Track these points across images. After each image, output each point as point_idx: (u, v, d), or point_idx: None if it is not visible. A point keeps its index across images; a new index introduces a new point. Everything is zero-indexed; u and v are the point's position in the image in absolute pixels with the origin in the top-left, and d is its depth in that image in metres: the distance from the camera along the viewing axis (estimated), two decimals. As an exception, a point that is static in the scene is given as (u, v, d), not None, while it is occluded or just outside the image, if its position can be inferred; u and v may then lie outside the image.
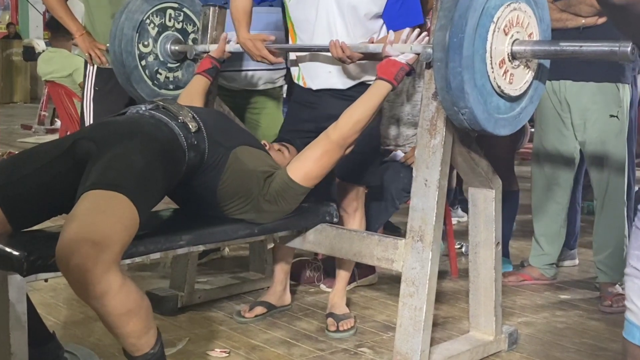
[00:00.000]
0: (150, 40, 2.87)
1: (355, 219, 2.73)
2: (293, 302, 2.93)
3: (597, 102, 3.02)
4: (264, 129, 3.23)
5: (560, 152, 3.18)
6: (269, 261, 3.17)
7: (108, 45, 3.04)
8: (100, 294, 1.65)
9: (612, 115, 3.01)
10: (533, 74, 2.17)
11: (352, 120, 2.24)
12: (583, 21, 2.98)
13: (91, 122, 3.25)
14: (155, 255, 2.05)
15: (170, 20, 2.91)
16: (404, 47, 2.21)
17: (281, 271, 2.84)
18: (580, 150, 3.14)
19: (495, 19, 2.00)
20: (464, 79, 1.96)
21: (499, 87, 2.06)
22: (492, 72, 2.03)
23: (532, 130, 3.77)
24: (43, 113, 8.40)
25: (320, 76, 2.61)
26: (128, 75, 2.84)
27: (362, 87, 2.50)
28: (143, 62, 2.86)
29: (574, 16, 2.97)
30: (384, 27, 2.53)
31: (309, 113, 2.65)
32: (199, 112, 2.26)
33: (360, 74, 2.57)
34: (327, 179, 2.84)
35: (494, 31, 2.00)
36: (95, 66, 3.27)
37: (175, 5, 2.93)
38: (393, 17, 2.49)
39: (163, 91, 2.92)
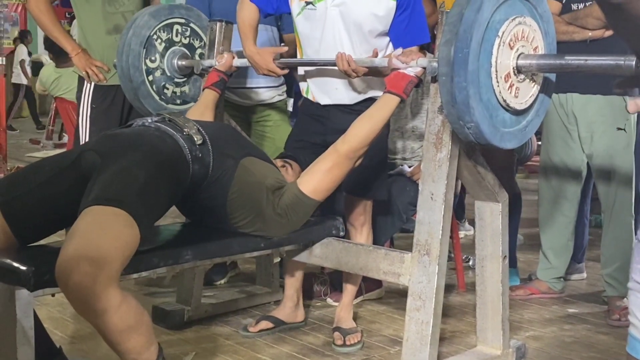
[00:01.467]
0: (158, 56, 2.88)
1: (362, 233, 2.73)
2: (300, 316, 2.92)
3: (604, 115, 3.01)
4: (273, 141, 3.26)
5: (567, 165, 3.18)
6: (276, 275, 3.17)
7: (104, 61, 3.08)
8: (100, 311, 1.65)
9: (619, 128, 3.00)
10: (539, 87, 2.17)
11: (361, 133, 2.24)
12: (590, 34, 2.98)
13: (86, 139, 3.22)
14: (162, 270, 2.05)
15: (177, 36, 2.92)
16: (410, 62, 2.22)
17: (291, 287, 2.83)
18: (588, 163, 3.14)
19: (500, 33, 2.01)
20: (470, 94, 1.97)
21: (505, 101, 2.06)
22: (498, 86, 2.03)
23: (539, 143, 3.76)
24: (51, 128, 8.46)
25: (328, 92, 2.62)
26: (135, 90, 2.85)
27: (369, 102, 2.51)
28: (150, 77, 2.87)
29: (580, 29, 2.97)
30: (390, 44, 2.54)
31: (317, 126, 2.66)
32: (205, 126, 2.27)
33: (366, 89, 2.58)
34: (333, 193, 2.85)
35: (499, 45, 2.01)
36: (93, 83, 3.23)
37: (182, 20, 2.94)
38: (399, 36, 2.50)
39: (170, 106, 2.93)
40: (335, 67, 2.40)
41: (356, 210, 2.70)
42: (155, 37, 2.86)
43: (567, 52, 2.11)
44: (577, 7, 3.01)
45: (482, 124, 2.02)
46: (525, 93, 2.13)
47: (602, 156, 3.06)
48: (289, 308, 2.82)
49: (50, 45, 6.15)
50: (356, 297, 3.14)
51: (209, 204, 2.23)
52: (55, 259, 1.73)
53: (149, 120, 2.21)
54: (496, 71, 2.02)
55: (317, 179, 2.25)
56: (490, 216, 2.44)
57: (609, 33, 2.91)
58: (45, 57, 9.39)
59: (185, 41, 2.95)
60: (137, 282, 3.21)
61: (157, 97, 2.90)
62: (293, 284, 2.82)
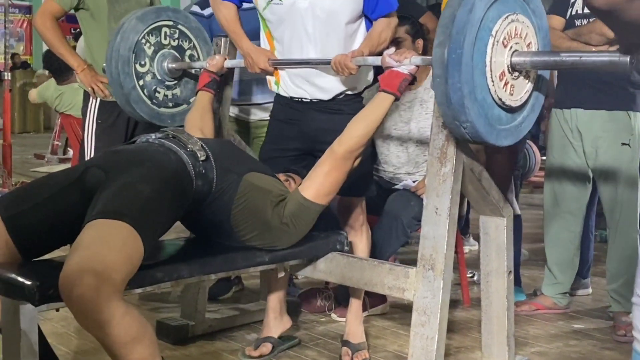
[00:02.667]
0: (147, 60, 2.85)
1: (363, 233, 2.71)
2: (303, 331, 2.92)
3: (608, 130, 3.02)
4: None
5: (572, 180, 3.17)
6: (280, 290, 3.16)
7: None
8: (103, 323, 1.65)
9: (623, 144, 3.00)
10: (533, 84, 2.14)
11: (356, 134, 2.25)
12: (594, 50, 2.99)
13: (92, 154, 3.23)
14: (166, 285, 2.05)
15: (165, 39, 2.88)
16: (403, 60, 2.23)
17: (275, 299, 2.75)
18: (593, 179, 3.13)
19: (493, 33, 1.98)
20: (464, 94, 1.94)
21: (500, 99, 2.03)
22: (493, 85, 2.00)
23: (544, 158, 3.76)
24: (56, 143, 8.49)
25: (301, 87, 2.57)
26: (127, 96, 2.81)
27: (345, 97, 2.54)
28: (141, 82, 2.84)
29: (584, 45, 2.98)
30: (362, 27, 2.53)
31: (293, 130, 2.62)
32: (208, 142, 2.28)
33: (341, 85, 2.54)
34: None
35: (493, 45, 1.98)
36: (98, 99, 3.25)
37: (170, 22, 2.90)
38: (371, 9, 2.50)
39: (162, 109, 2.90)
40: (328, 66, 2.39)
41: (354, 212, 2.69)
42: (144, 41, 2.82)
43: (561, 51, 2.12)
44: (581, 23, 3.02)
45: (477, 123, 1.99)
46: (520, 90, 2.10)
47: (607, 171, 3.05)
48: (274, 319, 2.74)
49: (50, 63, 6.18)
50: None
51: (213, 218, 2.24)
52: (60, 273, 1.73)
53: (153, 137, 2.22)
54: (491, 70, 1.99)
55: (318, 184, 2.25)
56: (495, 231, 2.43)
57: (612, 49, 2.92)
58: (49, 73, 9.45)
59: (174, 43, 2.91)
60: (140, 296, 3.20)
61: (148, 102, 2.87)
62: (277, 295, 2.75)
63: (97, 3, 3.28)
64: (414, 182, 3.23)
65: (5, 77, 6.48)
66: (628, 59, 1.78)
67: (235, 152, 2.44)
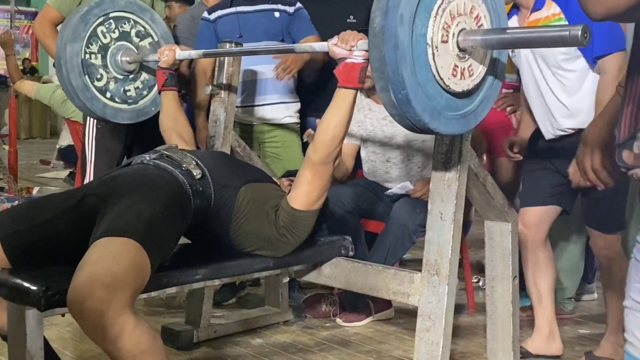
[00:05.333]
0: (101, 71, 2.72)
1: None
2: (307, 336, 2.91)
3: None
4: (282, 162, 3.30)
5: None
6: (285, 295, 3.17)
7: None
8: (114, 337, 1.65)
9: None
10: (485, 67, 1.92)
11: (327, 137, 2.16)
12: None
13: (93, 159, 3.23)
14: (171, 290, 2.05)
15: (105, 37, 2.73)
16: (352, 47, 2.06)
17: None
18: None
19: (433, 14, 1.76)
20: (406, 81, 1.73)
21: (446, 84, 1.82)
22: (435, 66, 1.78)
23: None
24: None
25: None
26: (103, 114, 2.73)
27: None
28: (108, 95, 2.74)
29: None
30: None
31: None
32: (203, 158, 2.28)
33: None
34: (342, 215, 2.85)
35: (434, 25, 1.76)
36: None
37: (101, 19, 2.71)
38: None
39: (142, 102, 2.82)
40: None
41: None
42: (87, 57, 2.69)
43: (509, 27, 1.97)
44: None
45: (424, 115, 1.78)
46: (469, 73, 1.88)
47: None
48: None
49: None
50: (365, 317, 3.14)
51: (214, 234, 2.25)
52: (66, 279, 1.73)
53: (147, 158, 2.23)
54: (433, 52, 1.76)
55: (304, 192, 2.22)
56: (500, 236, 2.43)
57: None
58: (55, 78, 9.47)
59: (115, 35, 2.76)
60: (145, 302, 3.21)
61: (125, 106, 2.80)
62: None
63: None
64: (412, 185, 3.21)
65: (11, 83, 6.50)
66: (579, 32, 1.62)
67: (230, 163, 2.43)
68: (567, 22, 2.44)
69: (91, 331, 1.68)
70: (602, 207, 2.58)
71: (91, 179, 3.20)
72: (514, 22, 2.66)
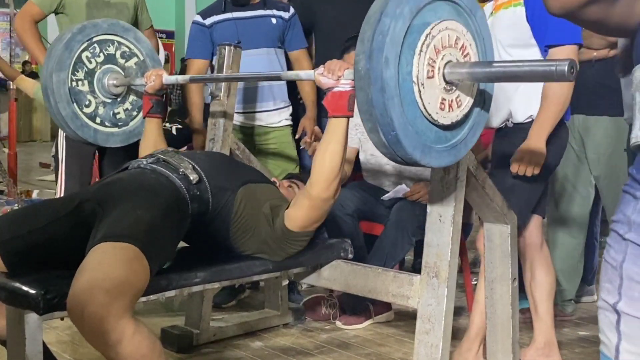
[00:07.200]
0: (89, 97, 2.68)
1: None
2: (307, 338, 2.91)
3: (610, 137, 3.01)
4: (278, 162, 3.35)
5: (575, 187, 3.17)
6: (284, 298, 3.17)
7: None
8: (114, 342, 1.65)
9: (626, 150, 3.00)
10: (472, 99, 1.88)
11: (324, 171, 2.09)
12: (595, 54, 2.99)
13: (64, 156, 3.21)
14: (171, 293, 2.05)
15: (90, 62, 2.68)
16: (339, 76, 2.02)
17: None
18: (596, 185, 3.13)
19: (419, 45, 1.72)
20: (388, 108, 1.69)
21: (431, 116, 1.78)
22: (422, 101, 1.74)
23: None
24: (61, 151, 8.48)
25: None
26: (95, 140, 2.70)
27: None
28: (97, 120, 2.70)
29: (586, 49, 2.99)
30: None
31: None
32: (199, 161, 2.27)
33: None
34: (341, 218, 2.85)
35: (420, 57, 1.71)
36: None
37: (85, 44, 2.66)
38: None
39: (132, 123, 2.79)
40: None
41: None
42: (74, 84, 2.64)
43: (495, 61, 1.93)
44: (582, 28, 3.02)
45: (415, 153, 1.76)
46: (459, 105, 1.84)
47: (610, 178, 3.05)
48: None
49: None
50: (365, 320, 3.14)
51: (213, 237, 2.25)
52: (65, 283, 1.74)
53: (144, 162, 2.23)
54: (419, 87, 1.72)
55: (301, 217, 2.18)
56: (499, 238, 2.43)
57: (613, 52, 2.93)
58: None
59: (100, 59, 2.71)
60: (145, 304, 3.20)
61: (116, 129, 2.75)
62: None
63: (76, 8, 3.32)
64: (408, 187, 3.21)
65: (11, 86, 6.50)
66: (565, 67, 1.59)
67: (227, 164, 2.42)
68: (524, 8, 2.41)
69: (91, 336, 1.67)
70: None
71: (63, 177, 3.20)
72: (489, 8, 2.62)
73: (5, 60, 5.58)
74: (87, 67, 2.67)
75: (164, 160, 2.22)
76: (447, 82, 1.78)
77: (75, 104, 2.64)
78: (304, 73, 2.29)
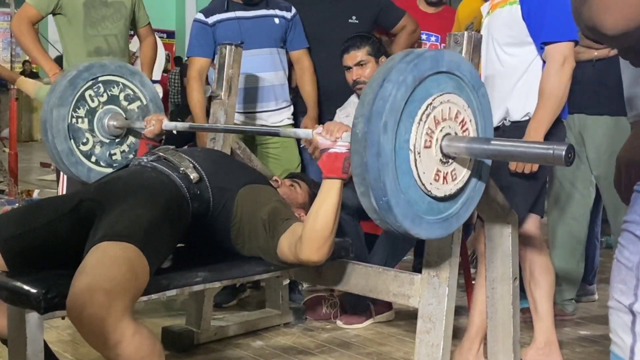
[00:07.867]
0: (87, 135, 2.66)
1: None
2: (308, 338, 2.91)
3: (611, 136, 3.01)
4: (279, 162, 3.34)
5: (576, 186, 3.17)
6: (285, 297, 3.17)
7: None
8: (114, 343, 1.65)
9: (629, 149, 2.99)
10: (469, 171, 1.88)
11: (315, 233, 2.01)
12: (595, 53, 2.99)
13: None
14: (172, 292, 2.05)
15: (93, 101, 2.66)
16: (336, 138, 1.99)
17: None
18: (596, 185, 3.13)
19: (418, 116, 1.71)
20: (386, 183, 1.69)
21: (427, 188, 1.78)
22: (417, 172, 1.74)
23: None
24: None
25: None
26: (89, 178, 2.64)
27: None
28: (93, 159, 2.67)
29: (586, 49, 2.98)
30: None
31: None
32: (200, 160, 2.26)
33: None
34: (341, 217, 2.83)
35: (418, 128, 1.71)
36: None
37: (90, 83, 2.65)
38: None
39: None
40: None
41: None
42: (74, 121, 2.62)
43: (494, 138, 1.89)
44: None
45: (405, 222, 1.75)
46: (454, 179, 1.84)
47: (610, 177, 3.03)
48: None
49: None
50: (366, 319, 3.14)
51: (214, 238, 2.25)
52: (66, 282, 1.73)
53: (145, 160, 2.23)
54: (415, 158, 1.72)
55: (292, 260, 2.10)
56: (500, 238, 2.43)
57: (614, 52, 2.92)
58: (56, 81, 9.46)
59: (103, 98, 2.69)
60: (145, 304, 3.21)
61: (110, 169, 2.68)
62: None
63: (73, 8, 3.32)
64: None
65: (12, 86, 6.50)
66: (563, 152, 1.57)
67: (229, 165, 2.41)
68: (520, 7, 2.40)
69: (91, 337, 1.67)
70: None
71: (64, 177, 3.21)
72: (486, 7, 2.62)
73: (4, 66, 5.60)
74: (89, 105, 2.66)
75: (164, 159, 2.22)
76: (443, 154, 1.77)
77: (72, 140, 2.61)
78: (301, 131, 2.26)
